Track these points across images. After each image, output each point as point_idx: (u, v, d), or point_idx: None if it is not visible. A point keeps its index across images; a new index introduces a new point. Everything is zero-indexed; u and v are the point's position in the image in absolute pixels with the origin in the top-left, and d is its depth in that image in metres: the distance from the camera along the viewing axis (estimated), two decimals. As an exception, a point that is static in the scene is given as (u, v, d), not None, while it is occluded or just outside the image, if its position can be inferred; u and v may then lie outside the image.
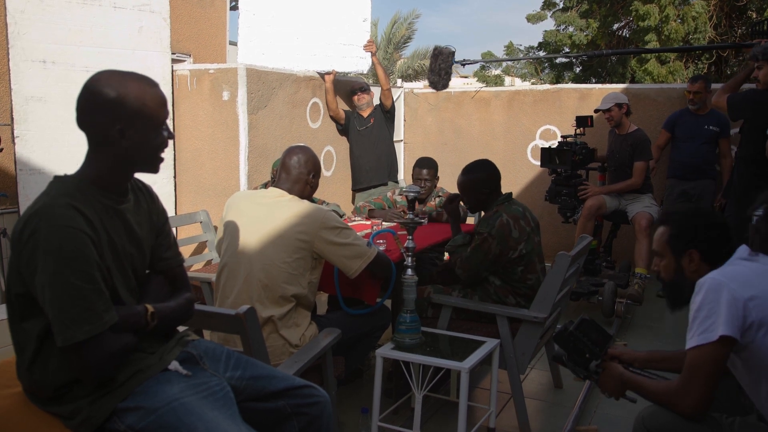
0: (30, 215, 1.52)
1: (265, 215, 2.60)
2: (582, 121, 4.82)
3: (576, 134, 4.82)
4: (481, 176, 3.14)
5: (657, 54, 12.43)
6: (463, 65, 4.38)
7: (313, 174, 2.73)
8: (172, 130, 1.78)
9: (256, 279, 2.51)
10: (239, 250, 2.57)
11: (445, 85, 4.46)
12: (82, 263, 1.50)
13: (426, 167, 4.19)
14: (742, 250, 1.86)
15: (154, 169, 1.70)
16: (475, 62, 4.41)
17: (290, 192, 2.68)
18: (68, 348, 1.49)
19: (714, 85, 5.20)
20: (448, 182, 4.50)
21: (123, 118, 1.58)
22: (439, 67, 4.27)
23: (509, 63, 17.15)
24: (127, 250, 1.69)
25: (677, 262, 1.98)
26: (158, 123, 1.65)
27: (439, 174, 4.25)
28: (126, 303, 1.67)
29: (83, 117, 1.60)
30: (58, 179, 1.63)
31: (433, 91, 6.68)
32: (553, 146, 4.83)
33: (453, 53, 4.30)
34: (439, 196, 4.23)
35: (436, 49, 4.59)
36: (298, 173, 2.69)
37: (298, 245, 2.54)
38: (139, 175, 1.76)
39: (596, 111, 4.94)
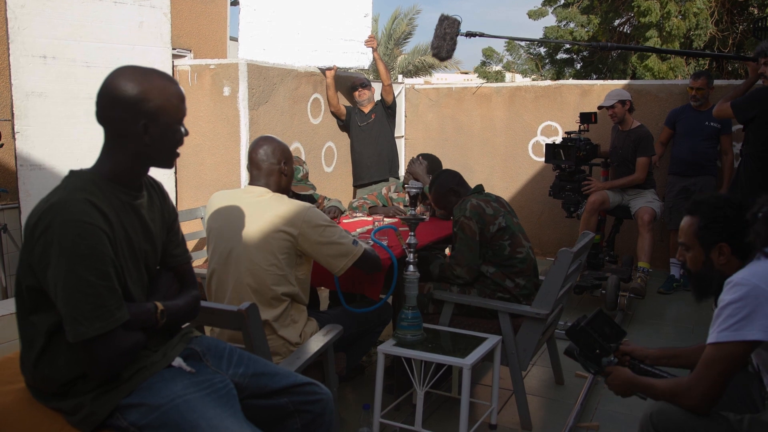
0: (45, 209, 1.51)
1: (248, 216, 2.52)
2: (586, 118, 4.91)
3: (580, 130, 4.87)
4: (442, 179, 3.33)
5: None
6: (469, 37, 4.25)
7: (284, 161, 2.63)
8: None
9: (245, 284, 2.46)
10: (226, 256, 2.51)
11: (450, 53, 4.30)
12: (96, 260, 1.50)
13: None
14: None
15: (169, 164, 1.71)
16: (482, 36, 4.27)
17: (267, 186, 2.60)
18: (79, 344, 1.49)
19: (716, 82, 5.20)
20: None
21: (148, 113, 1.59)
22: (444, 32, 4.13)
23: (510, 59, 17.14)
24: (142, 246, 1.70)
25: (706, 254, 1.94)
26: (179, 119, 1.67)
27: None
28: (137, 300, 1.67)
29: (106, 112, 1.60)
30: (73, 174, 1.63)
31: (434, 87, 6.65)
32: (557, 142, 4.86)
33: (459, 22, 4.19)
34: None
35: (442, 15, 4.47)
36: (268, 166, 2.60)
37: (283, 244, 2.47)
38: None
39: (600, 108, 4.98)
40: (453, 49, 4.32)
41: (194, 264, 4.28)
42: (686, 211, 2.03)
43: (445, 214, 3.99)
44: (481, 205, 3.04)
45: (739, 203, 1.96)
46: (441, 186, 3.32)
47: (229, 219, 2.54)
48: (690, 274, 2.04)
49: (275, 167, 2.60)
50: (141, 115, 1.58)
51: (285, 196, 2.61)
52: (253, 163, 2.63)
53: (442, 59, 4.40)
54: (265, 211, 2.51)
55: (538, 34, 14.34)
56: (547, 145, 4.92)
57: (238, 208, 2.55)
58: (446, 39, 4.08)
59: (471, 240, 3.00)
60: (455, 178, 3.34)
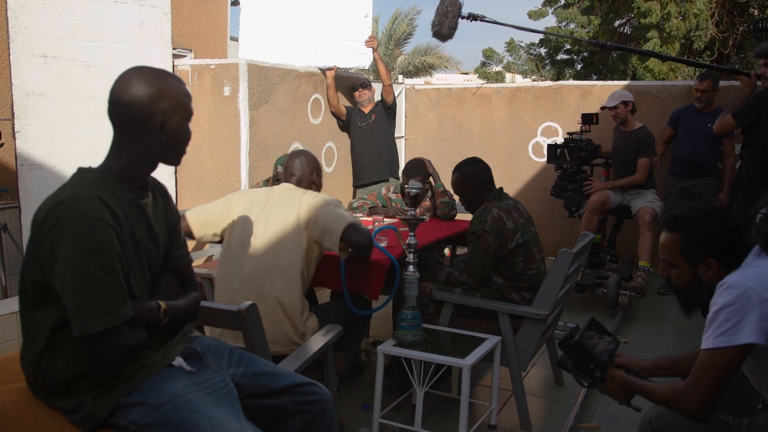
0: (54, 205, 1.52)
1: (273, 218, 2.69)
2: (588, 119, 4.95)
3: (581, 131, 4.90)
4: (471, 170, 3.22)
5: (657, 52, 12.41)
6: (470, 20, 4.16)
7: (316, 173, 2.96)
8: None
9: (272, 297, 2.59)
10: (249, 265, 2.63)
11: (451, 30, 4.12)
12: (104, 255, 1.51)
13: (420, 174, 3.94)
14: (755, 249, 1.79)
15: (178, 161, 1.76)
16: (483, 19, 4.19)
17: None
18: (84, 339, 1.50)
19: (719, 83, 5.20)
20: (449, 179, 4.48)
21: (164, 112, 1.63)
22: (446, 10, 4.05)
23: (510, 60, 17.17)
24: (146, 246, 1.71)
25: (693, 270, 1.90)
26: (189, 117, 1.72)
27: (440, 171, 4.22)
28: (140, 299, 1.68)
29: (121, 111, 1.62)
30: (83, 171, 1.65)
31: (434, 87, 6.65)
32: (558, 143, 4.90)
33: (461, 4, 4.10)
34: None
35: None
36: (302, 174, 2.90)
37: (304, 235, 2.64)
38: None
39: (602, 108, 5.00)
40: (454, 28, 4.16)
41: (195, 263, 4.28)
42: (664, 226, 1.97)
43: (447, 213, 3.98)
44: (502, 218, 2.99)
45: (721, 215, 1.92)
46: (466, 179, 3.21)
47: (254, 222, 2.72)
48: (677, 291, 2.01)
49: (308, 176, 2.92)
50: (158, 114, 1.62)
51: (308, 190, 2.85)
52: (288, 170, 2.93)
53: (442, 37, 4.22)
54: (288, 206, 2.72)
55: (539, 35, 14.30)
56: (549, 145, 4.94)
57: (265, 212, 2.74)
58: (448, 16, 3.99)
59: (484, 253, 2.98)
60: (483, 175, 3.21)
